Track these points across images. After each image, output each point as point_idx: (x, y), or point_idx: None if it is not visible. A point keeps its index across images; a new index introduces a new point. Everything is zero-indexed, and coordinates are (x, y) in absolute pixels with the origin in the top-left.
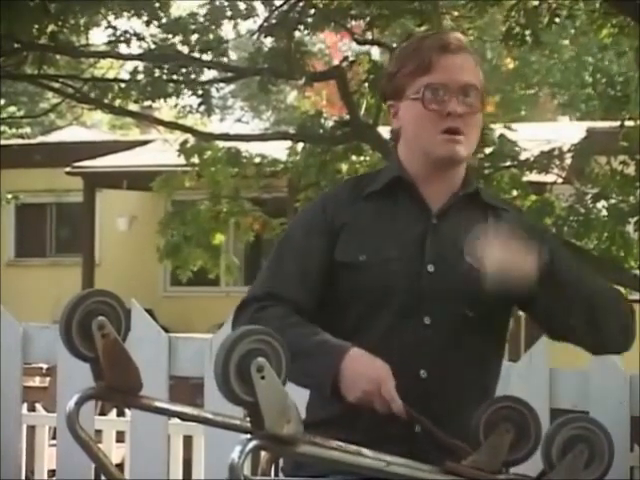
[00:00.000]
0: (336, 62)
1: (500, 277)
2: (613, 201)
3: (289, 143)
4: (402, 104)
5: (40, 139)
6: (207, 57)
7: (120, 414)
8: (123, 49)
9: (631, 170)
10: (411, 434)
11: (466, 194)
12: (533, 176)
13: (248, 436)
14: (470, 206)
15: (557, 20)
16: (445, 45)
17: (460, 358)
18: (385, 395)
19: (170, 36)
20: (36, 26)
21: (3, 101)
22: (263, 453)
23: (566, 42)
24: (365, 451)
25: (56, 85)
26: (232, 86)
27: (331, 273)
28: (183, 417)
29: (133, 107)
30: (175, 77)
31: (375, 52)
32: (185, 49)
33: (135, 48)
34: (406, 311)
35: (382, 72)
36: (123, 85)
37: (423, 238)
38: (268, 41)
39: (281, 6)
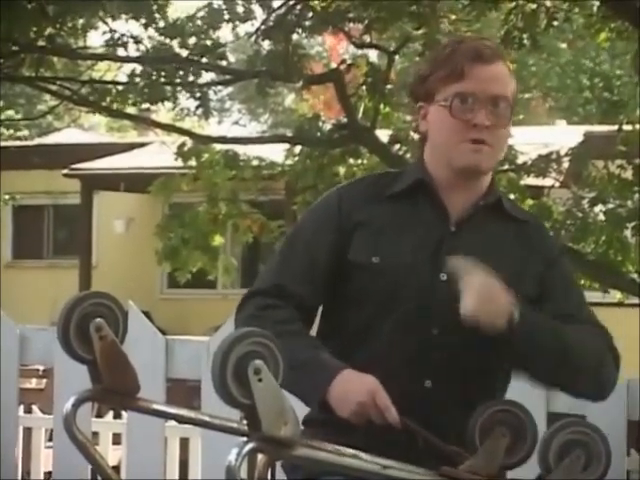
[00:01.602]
0: (335, 64)
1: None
2: (611, 205)
3: (287, 146)
4: (431, 107)
5: (38, 141)
6: (205, 60)
7: (117, 416)
8: (121, 52)
9: (628, 174)
10: (410, 440)
11: (487, 204)
12: (531, 180)
13: (245, 439)
14: (491, 217)
15: (555, 23)
16: (479, 54)
17: (466, 370)
18: (380, 404)
19: (167, 40)
20: (34, 28)
21: (1, 103)
22: (260, 456)
23: (564, 45)
24: (361, 454)
25: (54, 87)
26: (230, 89)
27: (341, 270)
28: (180, 419)
29: (131, 110)
30: (173, 80)
31: (373, 55)
32: (183, 52)
33: (133, 51)
34: (415, 319)
35: (413, 74)
36: (121, 88)
37: (439, 245)
38: (266, 44)
39: (279, 8)
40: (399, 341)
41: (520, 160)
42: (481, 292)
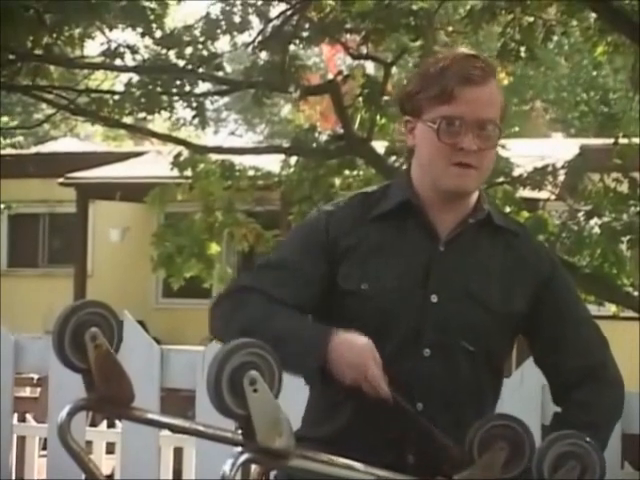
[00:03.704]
0: (332, 75)
1: None
2: (606, 219)
3: (283, 156)
4: (419, 124)
5: (34, 150)
6: (202, 70)
7: (110, 425)
8: (118, 61)
9: (624, 188)
10: (403, 463)
11: (477, 221)
12: (526, 192)
13: (239, 449)
14: (481, 233)
15: (553, 37)
16: (469, 76)
17: (457, 391)
18: (371, 381)
19: (164, 50)
20: (31, 37)
21: None
22: (254, 466)
23: (560, 58)
24: (356, 465)
25: (50, 96)
26: (226, 99)
27: (332, 294)
28: (175, 429)
29: (127, 119)
30: (169, 89)
31: (370, 66)
32: (180, 62)
33: (130, 60)
34: (407, 341)
35: (403, 85)
36: (117, 97)
37: (429, 266)
38: (263, 54)
39: (276, 18)
40: (391, 364)
41: (516, 173)
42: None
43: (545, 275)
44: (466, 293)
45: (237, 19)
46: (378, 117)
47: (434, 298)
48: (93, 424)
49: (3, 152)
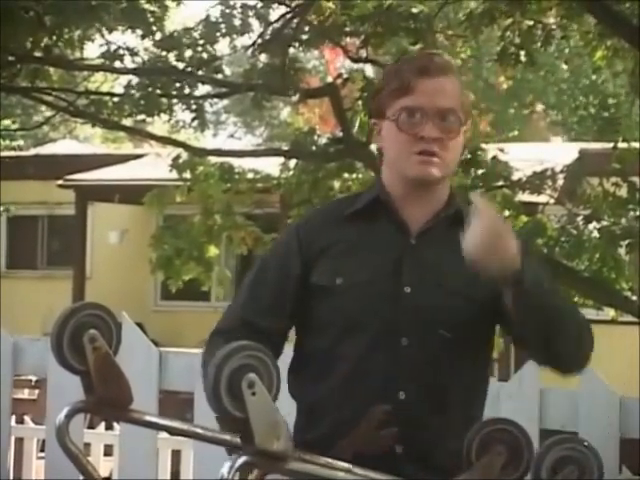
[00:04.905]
0: (332, 78)
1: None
2: (605, 223)
3: (282, 159)
4: (384, 123)
5: (33, 151)
6: (201, 72)
7: (108, 427)
8: (117, 63)
9: (623, 192)
10: (392, 454)
11: (447, 215)
12: (525, 196)
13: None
14: (452, 227)
15: (552, 41)
16: (426, 68)
17: (439, 379)
18: None
19: (164, 52)
20: (30, 39)
21: None
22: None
23: (560, 62)
24: (354, 468)
25: (50, 98)
26: (226, 101)
27: (307, 298)
28: (173, 431)
29: (126, 121)
30: (169, 92)
31: (369, 70)
32: (179, 64)
33: (129, 62)
34: (383, 333)
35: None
36: (117, 99)
37: (401, 259)
38: (263, 57)
39: (276, 21)
40: (370, 356)
41: (515, 177)
42: (485, 238)
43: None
44: (438, 283)
45: (237, 22)
46: None
47: (407, 289)
48: (91, 426)
49: (2, 154)
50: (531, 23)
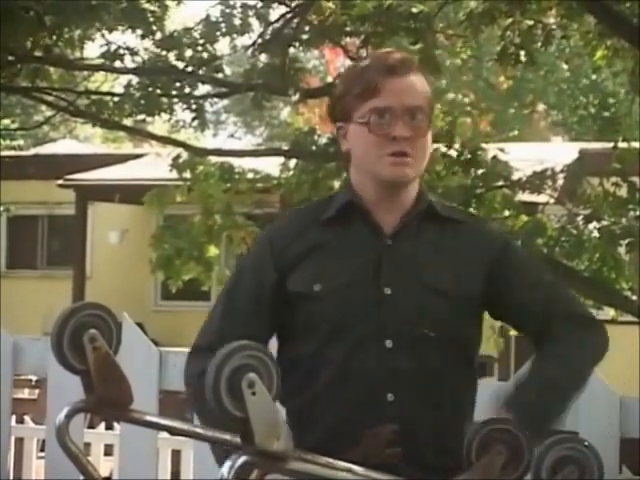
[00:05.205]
0: (332, 78)
1: None
2: (605, 223)
3: (282, 159)
4: (351, 126)
5: (33, 151)
6: (201, 72)
7: (108, 427)
8: (117, 63)
9: (623, 192)
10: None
11: (419, 211)
12: (525, 196)
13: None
14: (426, 222)
15: (552, 40)
16: (392, 68)
17: (426, 379)
18: None
19: (164, 52)
20: (31, 39)
21: None
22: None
23: (560, 62)
24: (355, 468)
25: (50, 98)
26: (226, 101)
27: (287, 303)
28: (173, 431)
29: (126, 121)
30: (169, 91)
31: None
32: (180, 64)
33: (129, 62)
34: (367, 336)
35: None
36: (117, 99)
37: (378, 261)
38: (263, 57)
39: (276, 21)
40: (354, 360)
41: (515, 176)
42: None
43: (495, 253)
44: (419, 281)
45: (237, 21)
46: None
47: (388, 290)
48: (91, 426)
49: (2, 154)
50: (531, 23)
